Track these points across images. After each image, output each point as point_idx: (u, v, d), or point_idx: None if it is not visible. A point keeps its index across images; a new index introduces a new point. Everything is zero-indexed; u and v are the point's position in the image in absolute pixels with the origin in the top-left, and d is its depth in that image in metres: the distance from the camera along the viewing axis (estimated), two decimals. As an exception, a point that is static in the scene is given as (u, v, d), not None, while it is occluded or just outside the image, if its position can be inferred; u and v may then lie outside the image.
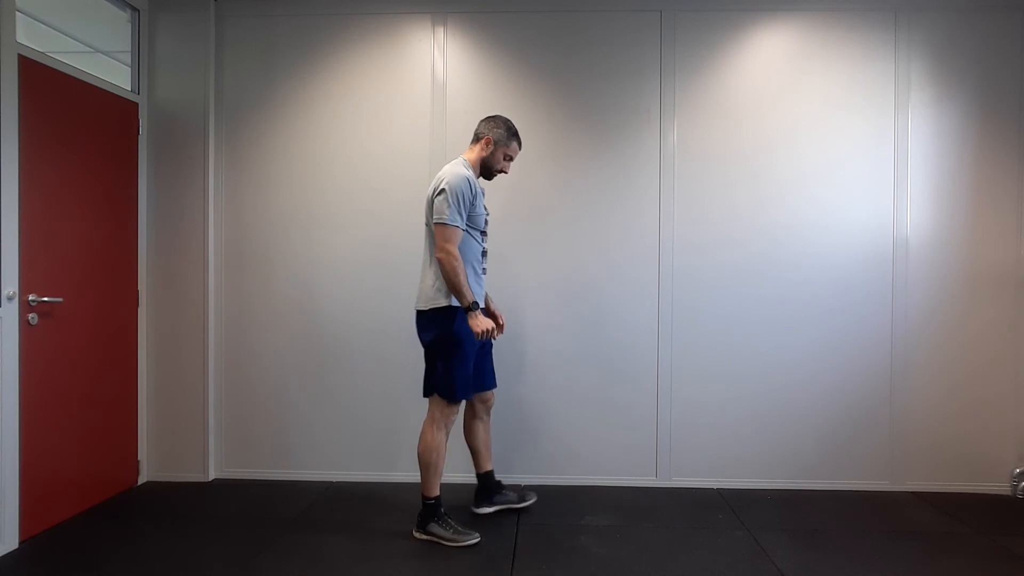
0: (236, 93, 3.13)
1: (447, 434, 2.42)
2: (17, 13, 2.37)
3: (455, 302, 2.33)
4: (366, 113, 3.10)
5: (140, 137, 3.04)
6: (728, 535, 2.49)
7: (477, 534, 2.40)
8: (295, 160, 3.12)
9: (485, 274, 2.51)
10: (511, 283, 3.04)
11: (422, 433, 2.40)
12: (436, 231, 2.29)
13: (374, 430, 3.11)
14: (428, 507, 2.41)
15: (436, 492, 2.40)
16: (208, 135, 3.07)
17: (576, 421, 3.06)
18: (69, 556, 2.29)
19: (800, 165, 3.02)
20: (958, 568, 2.23)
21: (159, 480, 3.09)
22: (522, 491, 2.76)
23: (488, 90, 3.07)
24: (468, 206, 2.31)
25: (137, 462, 3.04)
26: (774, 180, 3.02)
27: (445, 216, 2.26)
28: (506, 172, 2.56)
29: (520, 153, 2.98)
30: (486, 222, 2.47)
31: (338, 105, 3.11)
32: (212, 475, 3.11)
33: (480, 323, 2.29)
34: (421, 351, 3.06)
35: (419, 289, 2.42)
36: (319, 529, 2.53)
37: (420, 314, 2.41)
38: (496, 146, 2.46)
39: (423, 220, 3.06)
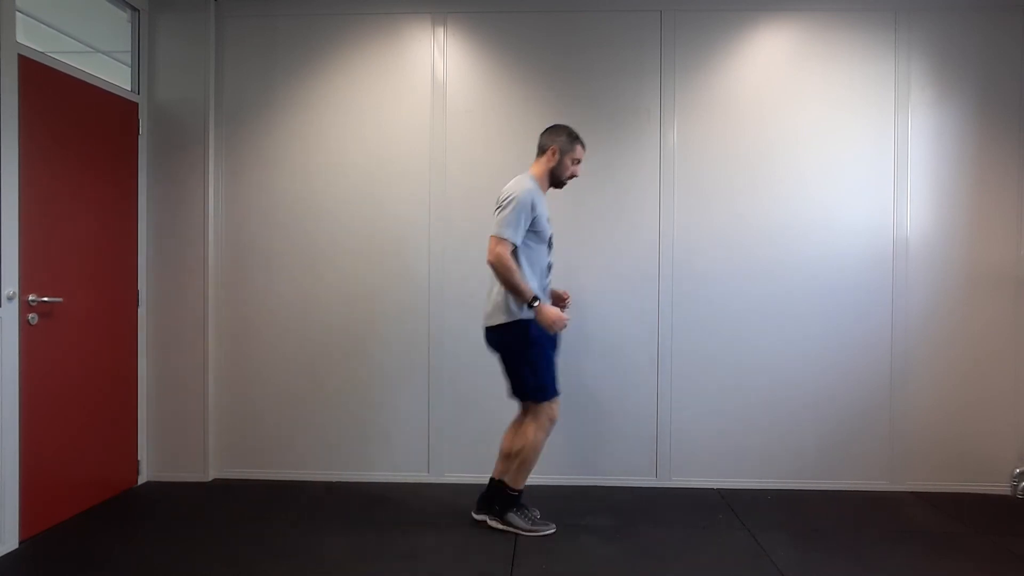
0: (236, 93, 3.13)
1: (548, 434, 2.46)
2: (17, 13, 2.37)
3: (517, 314, 2.34)
4: (366, 113, 3.10)
5: (140, 137, 3.04)
6: (728, 535, 2.49)
7: (553, 525, 2.50)
8: (295, 160, 3.12)
9: (548, 288, 2.52)
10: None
11: (524, 430, 2.44)
12: (491, 241, 2.32)
13: (374, 430, 3.10)
14: (511, 498, 2.48)
15: (522, 486, 2.49)
16: (208, 135, 3.07)
17: (576, 421, 3.06)
18: (69, 556, 2.29)
19: (800, 165, 3.02)
20: (958, 568, 2.22)
21: (159, 480, 3.08)
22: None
23: (488, 90, 3.07)
24: (528, 220, 2.35)
25: (137, 462, 3.04)
26: (774, 180, 3.02)
27: (503, 231, 2.31)
28: (576, 176, 2.55)
29: (520, 153, 2.98)
30: (551, 236, 2.49)
31: (338, 105, 3.10)
32: (212, 475, 3.11)
33: (548, 313, 2.32)
34: (421, 351, 3.09)
35: (487, 305, 2.45)
36: (319, 529, 2.53)
37: (488, 330, 2.45)
38: (562, 154, 2.48)
39: (424, 219, 3.09)
